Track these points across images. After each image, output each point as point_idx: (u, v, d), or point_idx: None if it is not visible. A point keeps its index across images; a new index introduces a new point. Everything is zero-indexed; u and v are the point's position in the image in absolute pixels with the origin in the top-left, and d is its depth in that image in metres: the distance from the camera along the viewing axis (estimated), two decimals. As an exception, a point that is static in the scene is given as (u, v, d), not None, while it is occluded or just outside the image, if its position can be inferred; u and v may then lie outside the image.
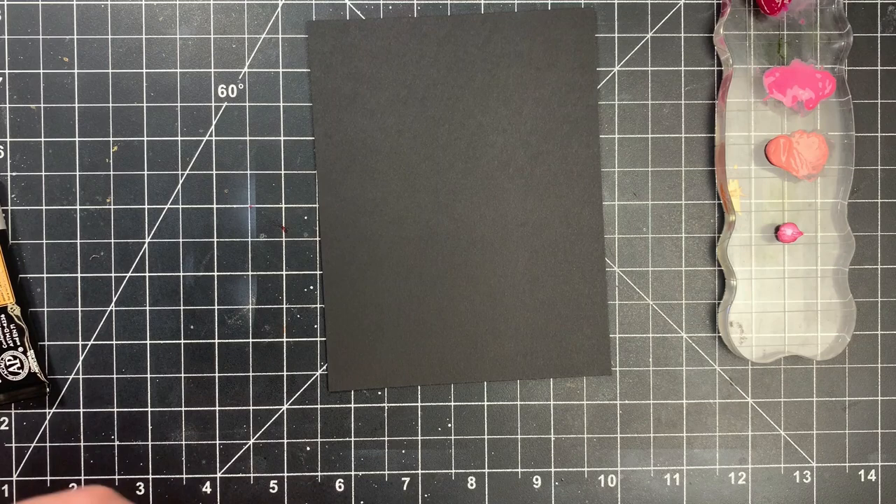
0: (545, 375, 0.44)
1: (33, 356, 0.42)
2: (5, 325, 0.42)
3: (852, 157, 0.43)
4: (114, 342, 0.43)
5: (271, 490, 0.44)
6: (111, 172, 0.43)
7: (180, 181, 0.44)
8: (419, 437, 0.44)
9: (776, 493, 0.44)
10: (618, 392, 0.44)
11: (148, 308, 0.43)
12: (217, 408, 0.43)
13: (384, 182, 0.43)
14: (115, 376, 0.43)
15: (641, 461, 0.44)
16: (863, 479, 0.44)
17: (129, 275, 0.43)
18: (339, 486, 0.44)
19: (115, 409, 0.43)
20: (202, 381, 0.43)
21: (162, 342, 0.43)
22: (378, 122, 0.43)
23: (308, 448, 0.44)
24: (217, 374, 0.43)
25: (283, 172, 0.44)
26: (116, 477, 0.43)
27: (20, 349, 0.42)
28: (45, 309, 0.43)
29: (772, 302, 0.44)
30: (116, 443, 0.43)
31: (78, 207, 0.43)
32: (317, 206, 0.44)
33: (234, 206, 0.44)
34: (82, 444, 0.43)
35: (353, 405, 0.44)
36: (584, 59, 0.44)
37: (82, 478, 0.43)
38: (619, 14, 0.44)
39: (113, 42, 0.43)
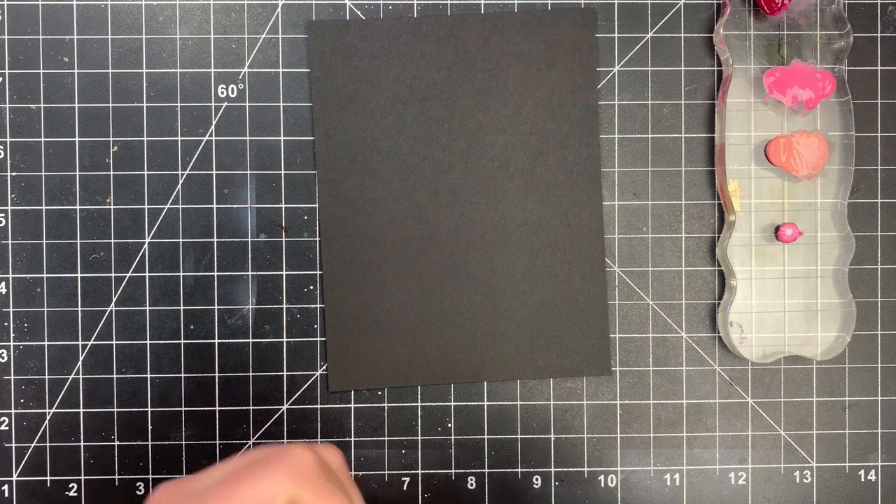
0: (545, 375, 0.44)
1: None
2: None
3: (852, 158, 0.43)
4: (114, 342, 0.43)
5: (271, 490, 0.43)
6: (111, 172, 0.43)
7: (180, 181, 0.44)
8: (419, 437, 0.44)
9: (776, 493, 0.44)
10: (618, 392, 0.44)
11: (148, 308, 0.43)
12: (217, 408, 0.43)
13: (384, 182, 0.43)
14: (115, 376, 0.43)
15: (641, 461, 0.44)
16: (863, 479, 0.44)
17: (128, 275, 0.43)
18: (339, 486, 0.44)
19: (115, 409, 0.43)
20: (202, 381, 0.43)
21: (162, 342, 0.43)
22: (378, 122, 0.43)
23: (308, 448, 0.44)
24: (217, 375, 0.43)
25: (282, 172, 0.44)
26: (116, 477, 0.43)
27: None
28: (45, 309, 0.43)
29: (772, 302, 0.44)
30: (116, 443, 0.43)
31: (78, 207, 0.43)
32: (317, 206, 0.44)
33: (234, 206, 0.44)
34: (82, 444, 0.43)
35: (353, 405, 0.44)
36: (584, 59, 0.44)
37: (82, 478, 0.43)
38: (619, 14, 0.44)
39: (113, 42, 0.43)
